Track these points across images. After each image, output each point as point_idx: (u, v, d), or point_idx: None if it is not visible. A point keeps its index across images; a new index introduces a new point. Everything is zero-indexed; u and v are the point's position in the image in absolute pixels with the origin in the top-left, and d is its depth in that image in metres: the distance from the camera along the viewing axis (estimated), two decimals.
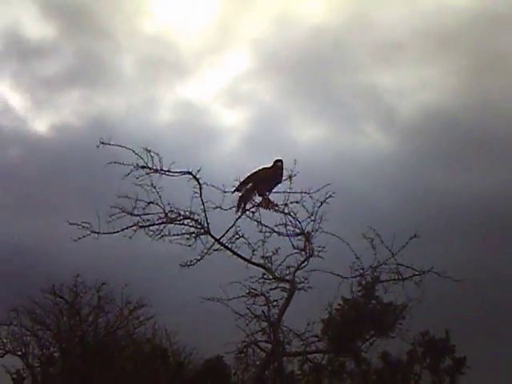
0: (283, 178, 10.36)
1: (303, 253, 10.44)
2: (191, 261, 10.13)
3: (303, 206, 10.25)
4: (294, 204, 10.30)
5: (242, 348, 10.57)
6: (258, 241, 10.28)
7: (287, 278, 10.45)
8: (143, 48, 30.88)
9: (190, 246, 10.12)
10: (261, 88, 30.63)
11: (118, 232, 9.84)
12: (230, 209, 10.30)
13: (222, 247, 10.26)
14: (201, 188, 10.02)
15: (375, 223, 10.37)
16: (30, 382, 19.25)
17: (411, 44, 29.21)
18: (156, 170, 9.90)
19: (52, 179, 24.99)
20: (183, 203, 10.09)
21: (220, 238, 10.25)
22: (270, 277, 10.46)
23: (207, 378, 17.63)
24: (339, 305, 10.74)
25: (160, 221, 10.00)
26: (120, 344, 19.49)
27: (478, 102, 27.97)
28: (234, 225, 10.30)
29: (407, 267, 10.31)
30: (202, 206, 10.08)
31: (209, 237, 10.21)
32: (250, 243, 10.26)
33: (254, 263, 10.38)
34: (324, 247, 10.31)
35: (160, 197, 9.92)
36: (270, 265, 10.42)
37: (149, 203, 9.91)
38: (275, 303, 10.53)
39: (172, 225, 10.07)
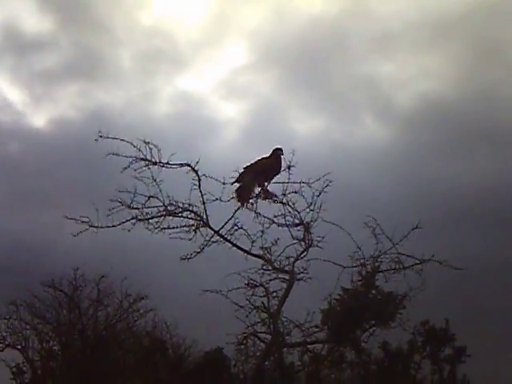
0: (281, 169, 10.34)
1: (302, 243, 10.43)
2: (191, 253, 10.13)
3: (302, 196, 10.24)
4: (293, 194, 10.30)
5: (242, 339, 10.57)
6: (257, 232, 10.26)
7: (286, 268, 10.43)
8: (141, 41, 30.88)
9: (190, 239, 10.12)
10: (259, 80, 30.65)
11: (116, 226, 9.83)
12: (229, 200, 10.28)
13: (221, 239, 10.24)
14: (199, 180, 9.98)
15: (373, 213, 10.38)
16: (30, 376, 19.28)
17: (409, 34, 29.21)
18: (155, 163, 9.86)
19: (51, 173, 25.00)
20: (182, 196, 10.08)
21: (219, 230, 10.22)
22: (270, 268, 10.44)
23: (207, 369, 17.63)
24: (339, 295, 10.73)
25: (159, 214, 9.99)
26: (120, 337, 19.51)
27: (477, 91, 27.98)
28: (232, 216, 10.28)
29: (408, 256, 10.32)
30: (200, 198, 10.07)
31: (208, 229, 10.18)
32: (249, 234, 10.24)
33: (253, 254, 10.36)
34: (323, 237, 10.31)
35: (160, 190, 9.92)
36: (269, 256, 10.40)
37: (149, 197, 9.90)
38: (275, 294, 10.52)
39: (171, 217, 10.06)
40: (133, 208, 9.85)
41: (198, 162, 9.93)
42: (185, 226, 10.07)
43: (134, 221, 9.90)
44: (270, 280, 10.52)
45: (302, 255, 10.43)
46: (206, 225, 10.16)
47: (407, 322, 10.52)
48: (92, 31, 30.28)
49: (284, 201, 10.34)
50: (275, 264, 10.42)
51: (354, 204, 14.89)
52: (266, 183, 10.49)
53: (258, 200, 10.50)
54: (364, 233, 10.26)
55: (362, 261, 10.44)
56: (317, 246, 10.36)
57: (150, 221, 9.98)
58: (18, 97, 31.86)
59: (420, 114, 27.69)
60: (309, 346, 10.88)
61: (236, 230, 10.24)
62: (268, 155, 10.60)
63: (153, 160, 9.84)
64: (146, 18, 31.97)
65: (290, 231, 10.41)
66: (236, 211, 10.31)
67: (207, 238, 10.17)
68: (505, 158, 25.19)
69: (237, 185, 10.36)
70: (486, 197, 21.29)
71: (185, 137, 24.09)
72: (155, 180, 9.85)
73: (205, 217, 10.13)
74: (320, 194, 10.12)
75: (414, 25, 28.85)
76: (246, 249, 10.30)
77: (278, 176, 10.45)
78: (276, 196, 10.42)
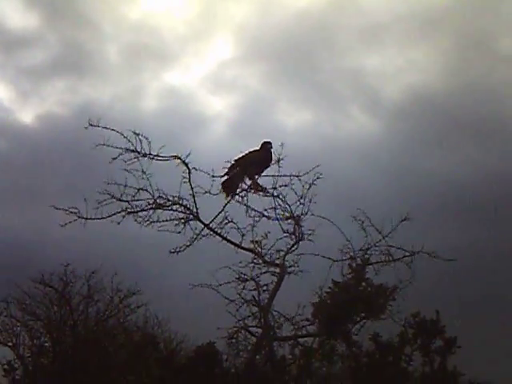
0: (272, 161, 10.32)
1: (293, 236, 10.43)
2: (180, 247, 10.11)
3: (292, 189, 10.24)
4: (283, 187, 10.29)
5: (233, 333, 10.58)
6: (247, 225, 10.28)
7: (277, 262, 10.45)
8: (127, 35, 30.68)
9: (179, 232, 10.10)
10: (246, 73, 30.52)
11: (105, 218, 9.80)
12: (218, 194, 10.28)
13: (211, 232, 10.24)
14: (190, 173, 9.96)
15: (362, 206, 10.38)
16: (22, 373, 19.21)
17: (396, 26, 29.15)
18: (145, 155, 9.83)
19: (39, 169, 24.89)
20: (172, 189, 10.06)
21: (209, 224, 10.22)
22: (260, 261, 10.45)
23: (199, 364, 17.60)
24: (329, 288, 10.72)
25: (149, 207, 9.96)
26: (111, 333, 19.46)
27: (464, 83, 28.02)
28: (223, 210, 10.28)
29: (398, 248, 10.34)
30: (190, 192, 10.06)
31: (198, 222, 10.19)
32: (239, 228, 10.25)
33: (243, 248, 10.37)
34: (314, 230, 10.31)
35: (150, 183, 9.89)
36: (259, 249, 10.41)
37: (138, 190, 9.87)
38: (265, 288, 10.54)
39: (161, 210, 10.04)
40: (122, 201, 9.82)
41: (188, 155, 9.92)
42: (174, 219, 10.06)
43: (123, 213, 9.89)
44: (261, 274, 10.55)
45: (293, 249, 10.44)
46: (196, 218, 10.15)
47: (397, 314, 10.55)
48: (78, 26, 30.07)
49: (274, 194, 10.35)
50: (266, 257, 10.43)
51: (343, 196, 14.91)
52: (256, 176, 10.49)
53: (249, 193, 10.50)
54: (354, 225, 10.27)
55: (351, 254, 10.46)
56: (307, 239, 10.38)
57: (140, 214, 9.97)
58: (4, 93, 31.58)
59: (408, 107, 27.73)
60: (300, 340, 10.89)
61: (226, 223, 10.24)
62: (258, 148, 10.60)
63: (143, 152, 9.82)
64: (132, 12, 31.78)
65: (280, 225, 10.42)
66: (226, 204, 10.33)
67: (197, 232, 10.17)
68: (492, 150, 25.32)
69: (226, 178, 10.35)
70: (474, 188, 21.39)
71: (173, 131, 24.03)
72: (145, 172, 9.84)
73: (195, 210, 10.12)
74: (310, 186, 10.13)
75: (401, 17, 28.83)
76: (237, 242, 10.30)
77: (268, 169, 10.45)
78: (266, 189, 10.41)
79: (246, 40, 30.22)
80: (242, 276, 10.48)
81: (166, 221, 10.03)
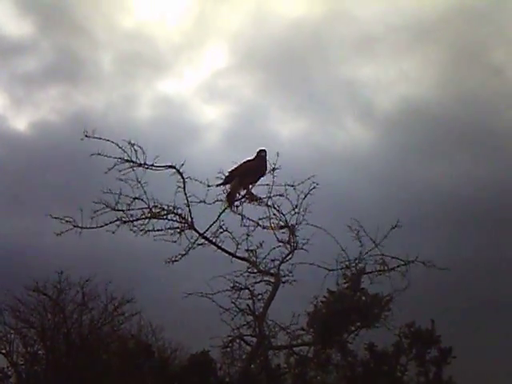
0: (266, 170, 10.31)
1: (288, 246, 10.42)
2: (176, 256, 10.09)
3: (287, 199, 10.23)
4: (278, 197, 10.28)
5: (228, 342, 10.56)
6: (242, 234, 10.26)
7: (272, 271, 10.42)
8: (121, 44, 30.77)
9: (174, 241, 10.07)
10: (240, 82, 30.66)
11: (101, 227, 9.77)
12: (213, 203, 10.26)
13: (206, 242, 10.21)
14: (184, 182, 9.95)
15: (356, 215, 10.40)
16: (15, 380, 19.17)
17: (389, 37, 29.37)
18: (140, 164, 9.82)
19: (33, 177, 24.86)
20: (166, 199, 10.04)
21: (204, 233, 10.20)
22: (255, 270, 10.43)
23: (193, 372, 17.57)
24: (324, 297, 10.73)
25: (144, 216, 9.94)
26: (105, 341, 19.42)
27: (456, 94, 28.21)
28: (218, 219, 10.25)
29: (392, 257, 10.33)
30: (185, 201, 10.04)
31: (193, 231, 10.16)
32: (234, 237, 10.23)
33: (238, 257, 10.34)
34: (308, 239, 10.30)
35: (145, 192, 9.87)
36: (254, 258, 10.39)
37: (134, 199, 9.84)
38: (260, 297, 10.52)
39: (156, 220, 10.02)
40: (117, 210, 9.80)
41: (183, 164, 9.91)
42: (170, 228, 10.04)
43: (118, 222, 9.86)
44: (256, 283, 10.53)
45: (288, 258, 10.42)
46: (191, 227, 10.12)
47: (393, 323, 10.54)
48: (72, 34, 30.19)
49: (269, 203, 10.34)
50: (260, 267, 10.41)
51: (336, 206, 14.94)
52: (250, 185, 10.47)
53: (244, 203, 10.49)
54: (348, 235, 10.27)
55: (346, 263, 10.45)
56: (302, 248, 10.37)
57: (135, 223, 9.94)
58: None
59: (400, 117, 27.90)
60: (295, 349, 10.87)
61: (221, 232, 10.22)
62: (253, 157, 10.59)
63: (138, 162, 9.81)
64: (126, 20, 31.90)
65: (275, 234, 10.41)
66: (221, 214, 10.30)
67: (192, 241, 10.14)
68: (484, 160, 25.42)
69: (224, 187, 10.34)
70: (466, 198, 21.46)
71: (167, 140, 24.11)
72: (140, 182, 9.82)
73: (190, 219, 10.10)
74: (305, 196, 10.12)
75: (394, 28, 29.04)
76: (232, 251, 10.28)
77: (262, 178, 10.43)
78: (261, 199, 10.40)
79: (241, 49, 30.33)
80: (237, 285, 10.45)
81: (162, 230, 10.00)
